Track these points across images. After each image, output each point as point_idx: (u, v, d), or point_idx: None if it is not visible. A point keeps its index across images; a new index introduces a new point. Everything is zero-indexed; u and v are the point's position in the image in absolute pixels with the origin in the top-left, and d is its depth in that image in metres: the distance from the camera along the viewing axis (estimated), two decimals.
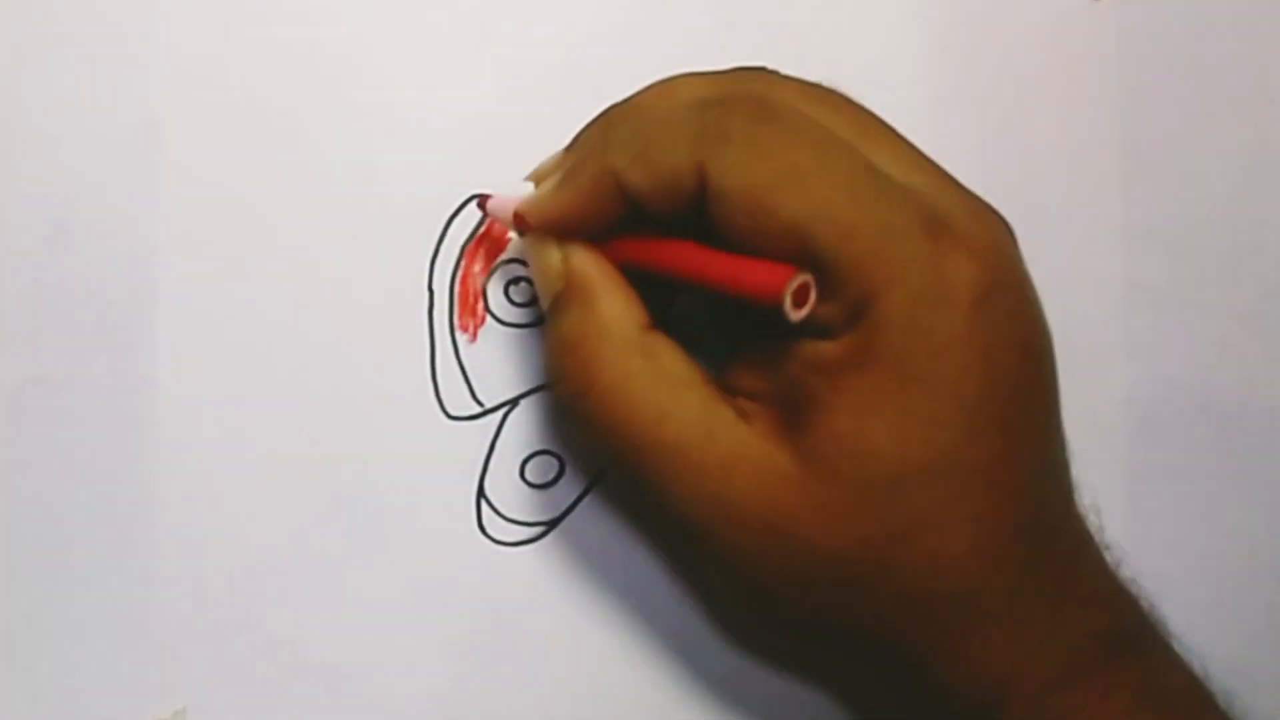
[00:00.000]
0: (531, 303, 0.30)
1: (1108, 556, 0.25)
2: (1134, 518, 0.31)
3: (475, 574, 0.30)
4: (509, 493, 0.30)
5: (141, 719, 0.29)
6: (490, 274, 0.30)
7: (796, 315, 0.22)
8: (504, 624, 0.30)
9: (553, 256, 0.26)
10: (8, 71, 0.29)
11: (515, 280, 0.30)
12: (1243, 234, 0.31)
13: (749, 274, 0.23)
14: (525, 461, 0.30)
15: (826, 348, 0.23)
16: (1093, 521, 0.26)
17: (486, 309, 0.30)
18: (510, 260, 0.30)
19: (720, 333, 0.26)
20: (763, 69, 0.26)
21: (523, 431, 0.30)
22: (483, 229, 0.30)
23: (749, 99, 0.24)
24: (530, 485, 0.30)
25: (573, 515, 0.30)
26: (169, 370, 0.29)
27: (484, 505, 0.30)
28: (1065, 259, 0.31)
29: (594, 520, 0.30)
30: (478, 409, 0.30)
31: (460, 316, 0.30)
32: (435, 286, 0.30)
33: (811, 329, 0.23)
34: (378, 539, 0.29)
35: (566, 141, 0.30)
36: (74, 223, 0.29)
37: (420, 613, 0.29)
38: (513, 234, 0.30)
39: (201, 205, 0.29)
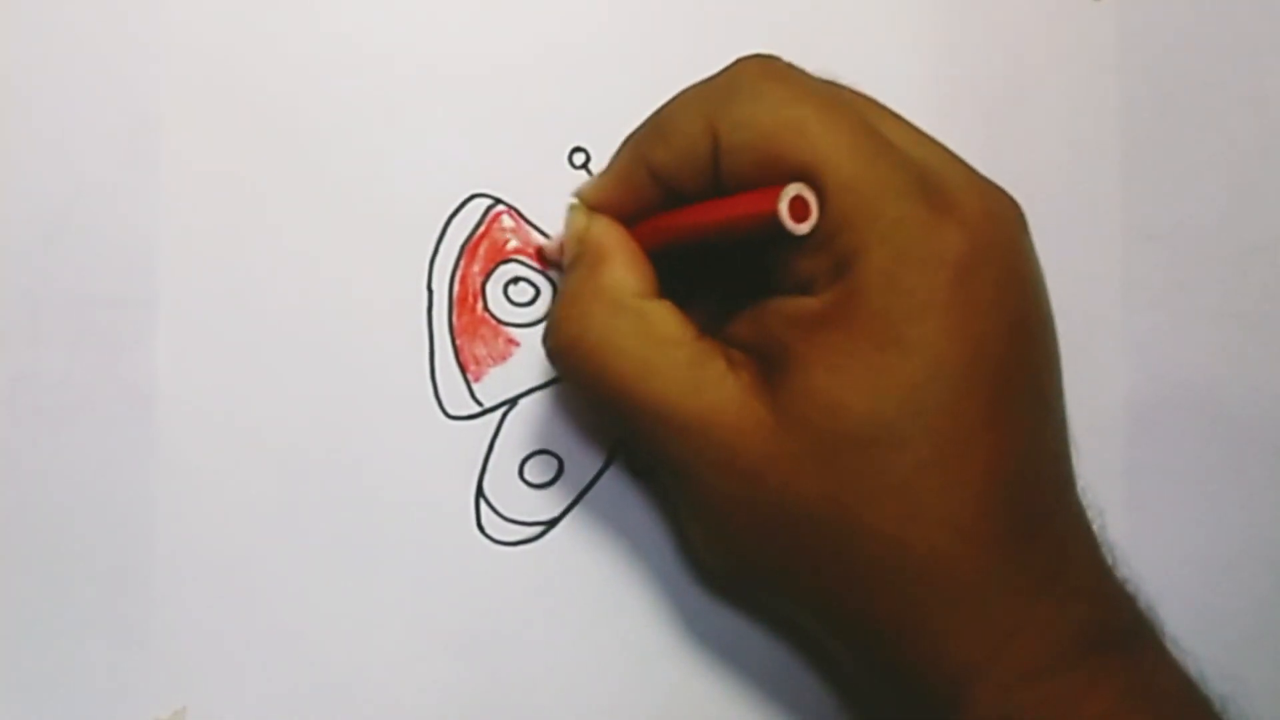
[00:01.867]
0: (531, 302, 0.30)
1: (1105, 553, 0.25)
2: (1134, 518, 0.31)
3: (475, 574, 0.30)
4: (508, 493, 0.30)
5: (141, 719, 0.29)
6: (489, 274, 0.30)
7: (797, 228, 0.22)
8: (504, 624, 0.30)
9: (579, 222, 0.27)
10: (8, 71, 0.29)
11: (514, 280, 0.30)
12: (1243, 234, 0.31)
13: (747, 202, 0.23)
14: (524, 461, 0.30)
15: (807, 303, 0.23)
16: (1094, 519, 0.25)
17: (486, 309, 0.30)
18: (509, 260, 0.30)
19: (730, 299, 0.27)
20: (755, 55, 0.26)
21: (522, 431, 0.30)
22: (482, 229, 0.30)
23: (755, 60, 0.25)
24: (529, 485, 0.30)
25: (572, 515, 0.30)
26: (169, 370, 0.29)
27: (483, 505, 0.30)
28: (1065, 259, 0.31)
29: (593, 520, 0.30)
30: (477, 409, 0.30)
31: (459, 316, 0.30)
32: (434, 286, 0.30)
33: (796, 284, 0.24)
34: (377, 539, 0.29)
35: (565, 141, 0.30)
36: (74, 223, 0.29)
37: (420, 612, 0.29)
38: (513, 240, 0.30)
39: (201, 205, 0.29)
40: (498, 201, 0.30)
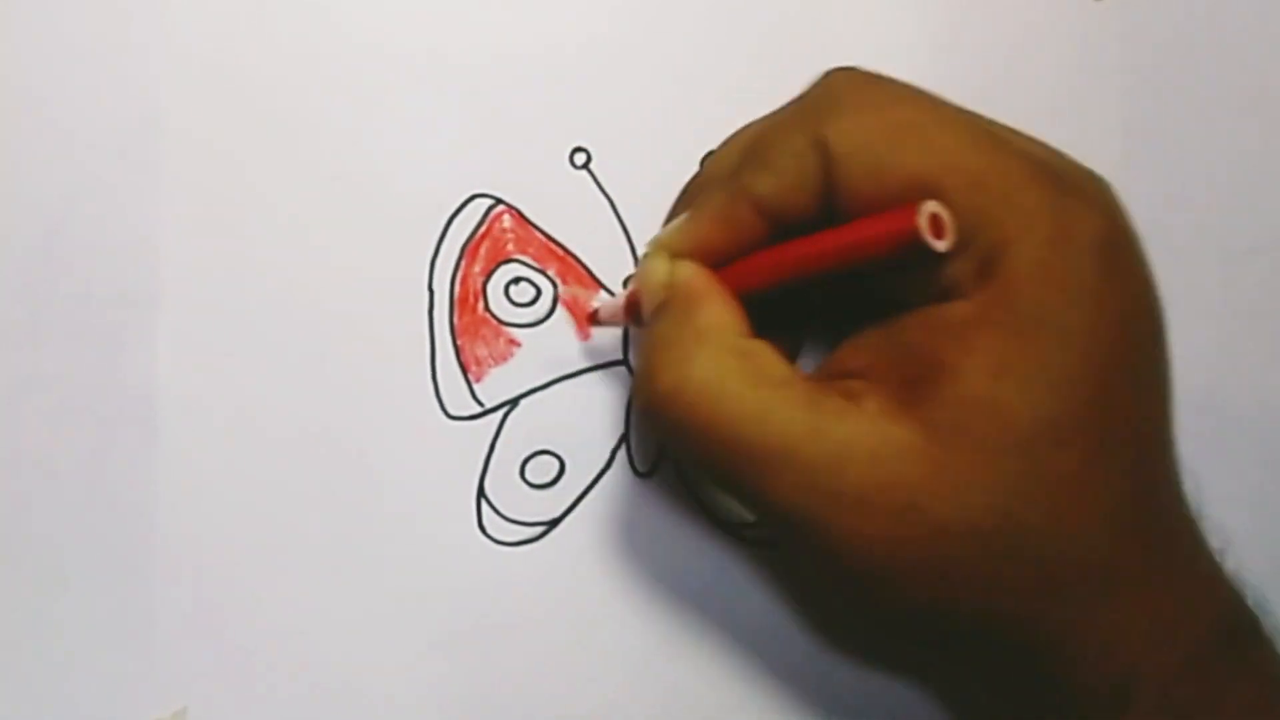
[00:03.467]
0: (532, 303, 0.30)
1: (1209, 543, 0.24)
2: None
3: (475, 574, 0.30)
4: (509, 493, 0.30)
5: (141, 719, 0.29)
6: (490, 274, 0.30)
7: (941, 245, 0.21)
8: (504, 624, 0.30)
9: (660, 269, 0.25)
10: (9, 71, 0.29)
11: (515, 280, 0.30)
12: (1243, 234, 0.31)
13: (876, 225, 0.22)
14: (525, 461, 0.30)
15: (956, 308, 0.22)
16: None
17: (487, 309, 0.30)
18: (510, 260, 0.30)
19: (832, 325, 0.26)
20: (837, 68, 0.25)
21: (523, 431, 0.30)
22: (484, 229, 0.30)
23: (845, 72, 0.24)
24: (530, 485, 0.30)
25: (573, 515, 0.30)
26: (169, 370, 0.29)
27: (484, 505, 0.30)
28: None
29: (594, 520, 0.30)
30: (478, 409, 0.30)
31: (460, 317, 0.30)
32: (435, 286, 0.30)
33: (937, 292, 0.22)
34: (378, 539, 0.29)
35: (566, 141, 0.30)
36: (74, 223, 0.29)
37: (420, 612, 0.29)
38: (514, 241, 0.30)
39: (202, 205, 0.29)
40: (498, 201, 0.30)
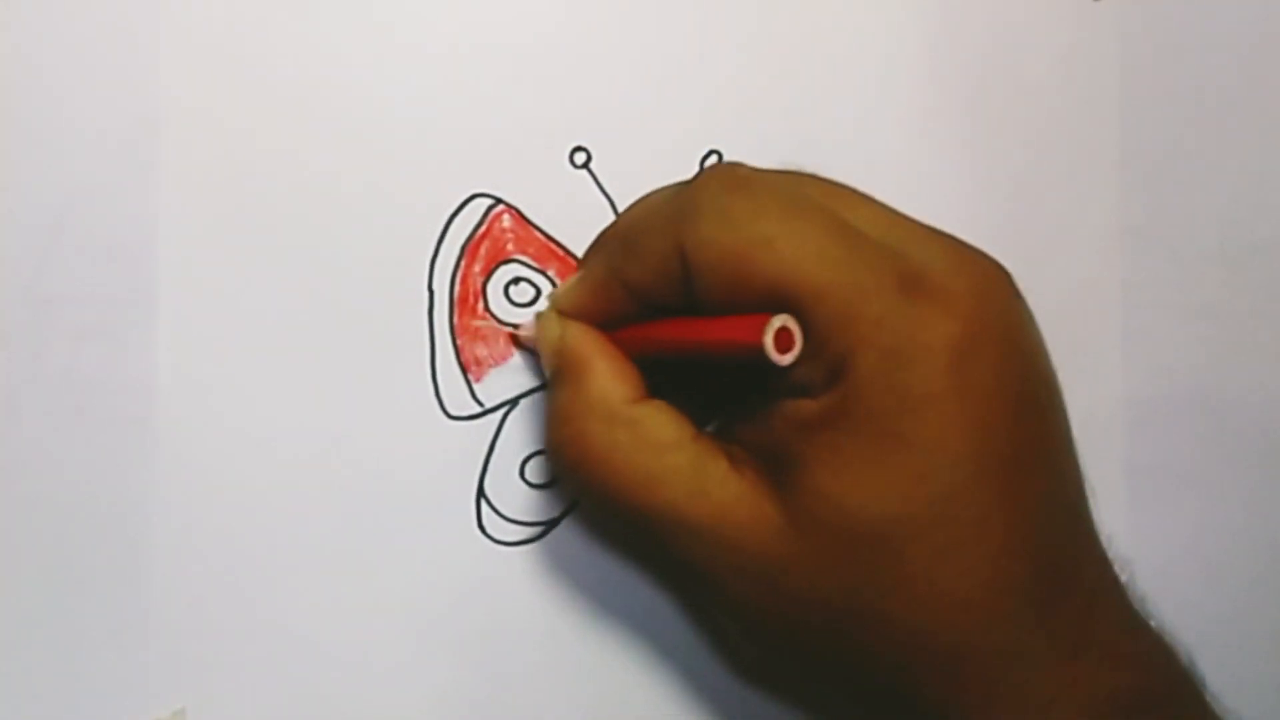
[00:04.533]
0: (531, 303, 0.30)
1: (1137, 607, 0.25)
2: (1134, 518, 0.31)
3: (475, 574, 0.30)
4: (509, 493, 0.30)
5: (141, 719, 0.29)
6: (490, 274, 0.30)
7: (782, 359, 0.22)
8: (504, 624, 0.30)
9: (553, 331, 0.27)
10: (8, 71, 0.29)
11: (515, 280, 0.30)
12: (1242, 234, 0.31)
13: (731, 329, 0.23)
14: (525, 461, 0.30)
15: (806, 406, 0.23)
16: (1121, 571, 0.25)
17: (486, 309, 0.30)
18: (510, 260, 0.30)
19: (724, 394, 0.27)
20: (720, 162, 0.27)
21: (522, 431, 0.30)
22: (483, 229, 0.30)
23: (717, 172, 0.25)
24: (530, 485, 0.30)
25: (573, 515, 0.30)
26: (169, 370, 0.29)
27: (484, 505, 0.30)
28: (1064, 259, 0.31)
29: (594, 520, 0.30)
30: (478, 409, 0.30)
31: (460, 317, 0.30)
32: (435, 286, 0.30)
33: (793, 388, 0.23)
34: (378, 539, 0.29)
35: (565, 141, 0.30)
36: (74, 223, 0.29)
37: (420, 612, 0.29)
38: (513, 241, 0.30)
39: (201, 205, 0.29)
40: (498, 201, 0.30)
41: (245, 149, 0.29)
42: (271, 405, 0.29)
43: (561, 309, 0.27)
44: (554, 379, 0.27)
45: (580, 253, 0.30)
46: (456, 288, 0.30)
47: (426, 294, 0.30)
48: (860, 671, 0.24)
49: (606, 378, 0.26)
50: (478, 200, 0.30)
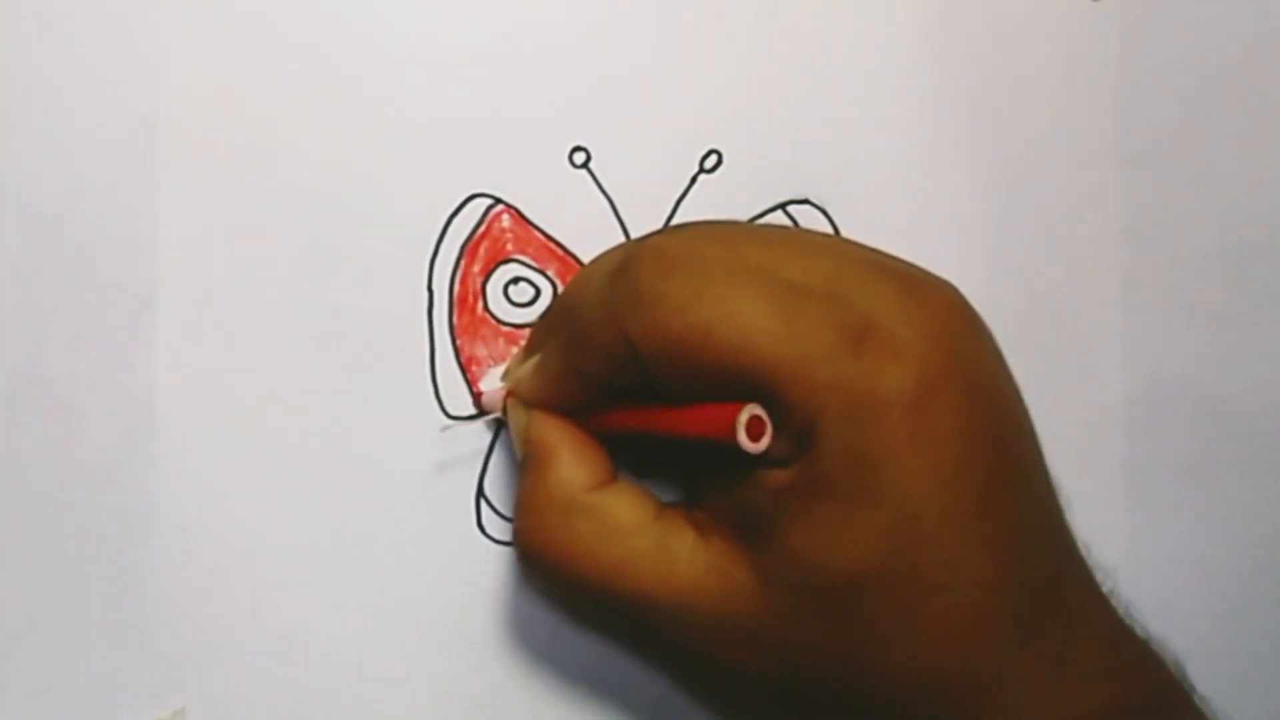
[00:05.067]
0: (531, 303, 0.30)
1: (1120, 617, 0.25)
2: (1133, 518, 0.31)
3: (475, 574, 0.30)
4: (509, 493, 0.30)
5: (141, 719, 0.29)
6: (490, 274, 0.30)
7: (755, 447, 0.22)
8: (504, 624, 0.30)
9: (519, 421, 0.27)
10: (8, 71, 0.29)
11: (515, 280, 0.30)
12: (1242, 234, 0.31)
13: (701, 422, 0.23)
14: None
15: (777, 474, 0.23)
16: (1103, 580, 0.25)
17: (486, 309, 0.30)
18: (510, 260, 0.30)
19: (693, 462, 0.27)
20: (646, 237, 0.26)
21: None
22: (483, 229, 0.30)
23: (648, 253, 0.24)
24: None
25: None
26: (169, 370, 0.29)
27: (484, 505, 0.30)
28: (1064, 259, 0.31)
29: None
30: (478, 409, 0.30)
31: (459, 316, 0.30)
32: (435, 286, 0.30)
33: (766, 459, 0.23)
34: (378, 539, 0.29)
35: (565, 141, 0.30)
36: (73, 222, 0.29)
37: (420, 612, 0.29)
38: (513, 240, 0.30)
39: (201, 205, 0.29)
40: (498, 201, 0.30)
41: (245, 149, 0.29)
42: (271, 405, 0.29)
43: (524, 399, 0.27)
44: (520, 468, 0.27)
45: (580, 253, 0.30)
46: (456, 287, 0.30)
47: (426, 294, 0.30)
48: (852, 711, 0.24)
49: (569, 466, 0.26)
50: (477, 200, 0.30)
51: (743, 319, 0.23)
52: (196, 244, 0.29)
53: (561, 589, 0.26)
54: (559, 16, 0.30)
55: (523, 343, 0.30)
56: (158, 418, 0.29)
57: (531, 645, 0.30)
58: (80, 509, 0.29)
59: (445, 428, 0.29)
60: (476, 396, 0.30)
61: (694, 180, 0.30)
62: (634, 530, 0.25)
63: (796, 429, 0.23)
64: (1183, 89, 0.31)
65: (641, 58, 0.30)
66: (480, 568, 0.30)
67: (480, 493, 0.30)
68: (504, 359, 0.30)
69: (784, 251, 0.24)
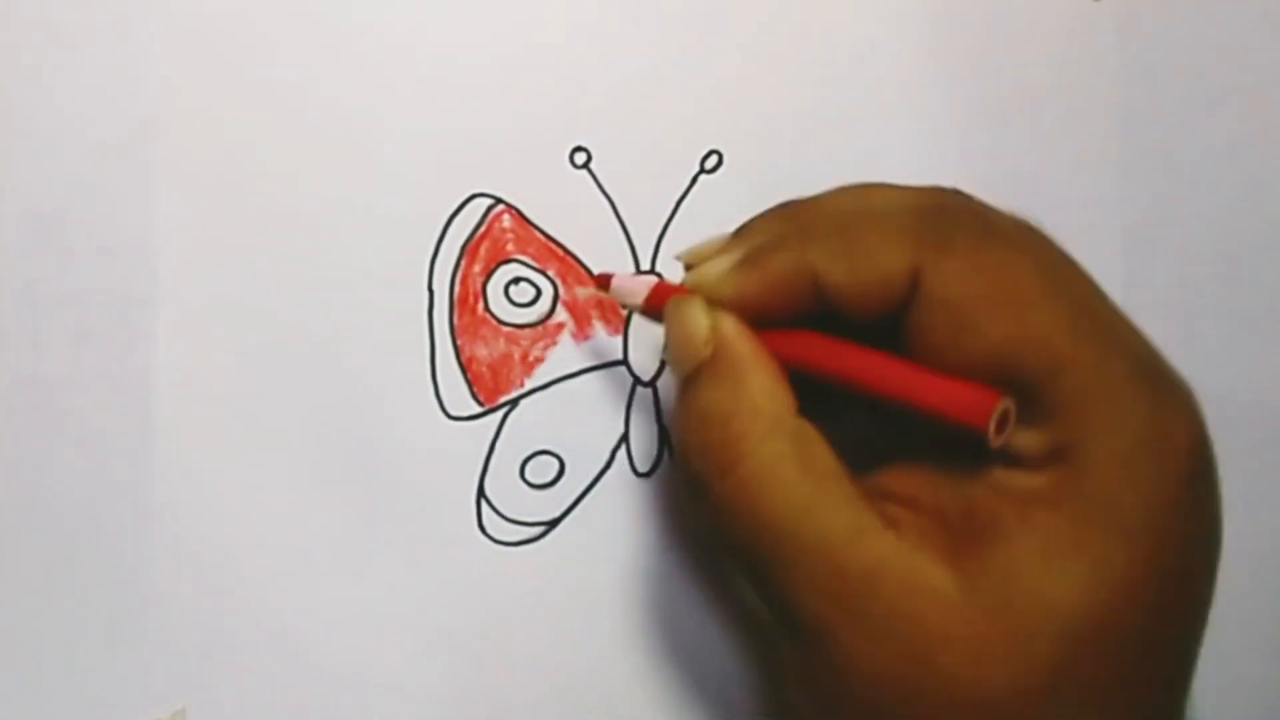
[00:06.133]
0: (531, 303, 0.30)
1: None
2: None
3: (475, 574, 0.30)
4: (509, 493, 0.30)
5: (141, 719, 0.29)
6: (490, 274, 0.30)
7: (997, 441, 0.21)
8: (504, 624, 0.30)
9: (700, 321, 0.23)
10: (7, 71, 0.29)
11: (515, 280, 0.30)
12: (1242, 234, 0.31)
13: (950, 395, 0.21)
14: (525, 461, 0.30)
15: (1023, 478, 0.21)
16: None
17: (486, 309, 0.30)
18: (510, 260, 0.30)
19: (878, 432, 0.24)
20: (956, 190, 0.24)
21: (523, 431, 0.30)
22: (483, 229, 0.30)
23: (971, 213, 0.22)
24: (530, 485, 0.30)
25: (573, 515, 0.30)
26: (169, 370, 0.29)
27: (484, 505, 0.30)
28: None
29: (594, 520, 0.30)
30: (478, 409, 0.30)
31: (460, 317, 0.30)
32: (435, 286, 0.30)
33: (1005, 454, 0.21)
34: (377, 539, 0.29)
35: (565, 141, 0.30)
36: (73, 223, 0.29)
37: (420, 612, 0.29)
38: (513, 240, 0.30)
39: (200, 205, 0.29)
40: (498, 201, 0.30)
41: (244, 149, 0.29)
42: (271, 405, 0.29)
43: (717, 292, 0.23)
44: (699, 375, 0.23)
45: (580, 253, 0.30)
46: (456, 288, 0.30)
47: (426, 294, 0.30)
48: None
49: (772, 380, 0.23)
50: (477, 200, 0.30)
51: (1054, 307, 0.21)
52: (196, 244, 0.29)
53: (732, 514, 0.22)
54: (560, 17, 0.30)
55: (524, 343, 0.30)
56: (158, 418, 0.29)
57: (531, 645, 0.30)
58: (80, 509, 0.29)
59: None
60: (603, 279, 0.27)
61: (694, 180, 0.30)
62: (835, 476, 0.22)
63: (1061, 434, 0.21)
64: (1183, 89, 0.31)
65: (641, 58, 0.30)
66: (480, 568, 0.30)
67: (480, 493, 0.30)
68: (504, 359, 0.30)
69: (1086, 278, 0.23)
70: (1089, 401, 0.21)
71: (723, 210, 0.30)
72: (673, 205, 0.30)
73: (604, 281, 0.27)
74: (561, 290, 0.30)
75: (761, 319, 0.23)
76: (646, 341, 0.30)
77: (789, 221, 0.24)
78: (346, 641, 0.29)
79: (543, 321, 0.30)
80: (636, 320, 0.30)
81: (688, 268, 0.25)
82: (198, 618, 0.29)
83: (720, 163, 0.30)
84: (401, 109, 0.29)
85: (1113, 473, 0.20)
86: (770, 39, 0.30)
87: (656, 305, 0.25)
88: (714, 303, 0.24)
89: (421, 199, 0.29)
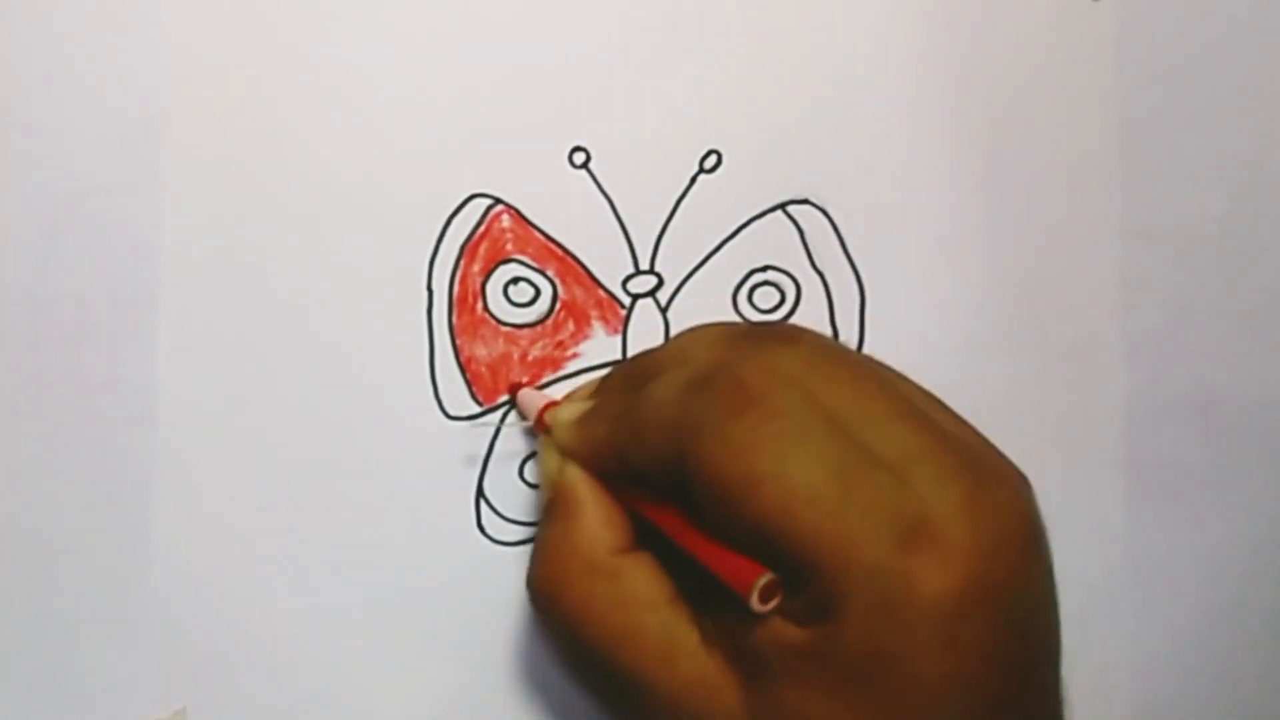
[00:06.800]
0: (531, 303, 0.30)
1: None
2: (1133, 517, 0.31)
3: (475, 574, 0.30)
4: (508, 493, 0.30)
5: (141, 719, 0.29)
6: (489, 274, 0.30)
7: (762, 609, 0.22)
8: (504, 624, 0.30)
9: (551, 464, 0.27)
10: (8, 71, 0.29)
11: (514, 280, 0.30)
12: (1242, 234, 0.31)
13: (721, 564, 0.23)
14: (525, 461, 0.30)
15: (790, 631, 0.23)
16: None
17: (485, 309, 0.30)
18: (509, 260, 0.30)
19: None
20: (775, 326, 0.25)
21: (522, 431, 0.30)
22: (482, 229, 0.30)
23: (728, 383, 0.24)
24: (530, 485, 0.30)
25: None
26: (169, 370, 0.29)
27: (484, 505, 0.30)
28: (1065, 259, 0.31)
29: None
30: (477, 409, 0.30)
31: (459, 316, 0.30)
32: (434, 286, 0.30)
33: (781, 611, 0.23)
34: (377, 539, 0.29)
35: (565, 141, 0.30)
36: (74, 223, 0.29)
37: (420, 612, 0.29)
38: (513, 240, 0.30)
39: (201, 205, 0.29)
40: (498, 201, 0.30)
41: (245, 149, 0.29)
42: (271, 405, 0.29)
43: (561, 445, 0.27)
44: (546, 511, 0.27)
45: (580, 253, 0.30)
46: (455, 287, 0.30)
47: (425, 294, 0.30)
48: None
49: (597, 523, 0.26)
50: (477, 200, 0.30)
51: (794, 482, 0.22)
52: (196, 244, 0.29)
53: (564, 642, 0.26)
54: (559, 16, 0.30)
55: (523, 343, 0.30)
56: (158, 418, 0.29)
57: (532, 645, 0.30)
58: (80, 509, 0.29)
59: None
60: (513, 387, 0.30)
61: (694, 180, 0.30)
62: (647, 605, 0.25)
63: (820, 597, 0.22)
64: (1183, 89, 0.31)
65: (642, 58, 0.30)
66: (480, 568, 0.30)
67: (480, 493, 0.30)
68: (504, 359, 0.30)
69: (871, 410, 0.24)
70: (834, 570, 0.22)
71: (722, 210, 0.30)
72: (672, 205, 0.30)
73: (513, 389, 0.30)
74: (561, 290, 0.30)
75: (595, 473, 0.26)
76: (646, 342, 0.30)
77: (617, 390, 0.27)
78: (346, 641, 0.29)
79: (542, 321, 0.30)
80: (636, 320, 0.30)
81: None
82: (197, 618, 0.29)
83: (719, 163, 0.30)
84: (401, 109, 0.30)
85: (858, 635, 0.22)
86: (770, 39, 0.30)
87: (539, 430, 0.28)
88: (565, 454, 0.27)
89: (421, 199, 0.30)
